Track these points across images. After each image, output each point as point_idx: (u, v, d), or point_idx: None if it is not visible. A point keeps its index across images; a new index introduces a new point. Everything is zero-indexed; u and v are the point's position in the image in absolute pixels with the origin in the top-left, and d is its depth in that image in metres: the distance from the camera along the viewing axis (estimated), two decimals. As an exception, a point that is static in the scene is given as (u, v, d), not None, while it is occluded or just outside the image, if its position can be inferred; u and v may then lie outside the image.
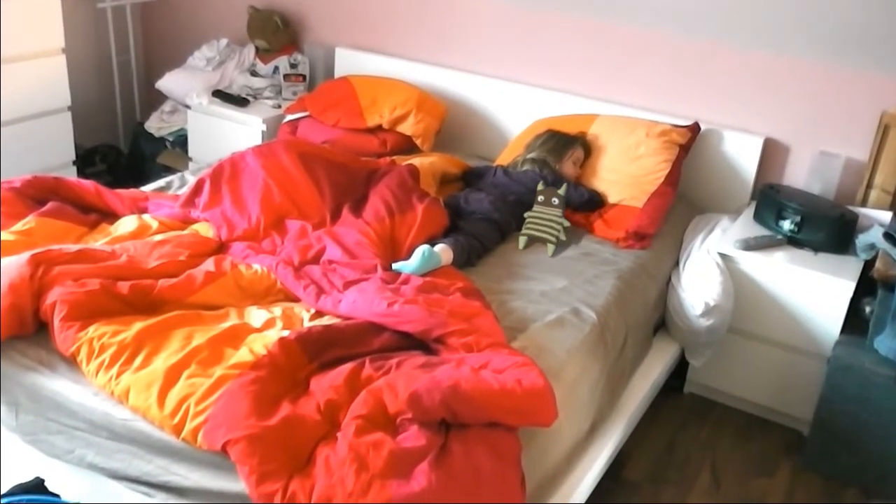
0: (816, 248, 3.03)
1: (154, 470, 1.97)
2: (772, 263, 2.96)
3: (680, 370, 3.21)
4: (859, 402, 2.76)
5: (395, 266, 2.57)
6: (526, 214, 3.01)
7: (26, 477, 2.07)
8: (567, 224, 3.05)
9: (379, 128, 3.70)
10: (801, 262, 2.96)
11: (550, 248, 2.96)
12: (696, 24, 3.37)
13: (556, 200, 3.04)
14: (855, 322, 2.89)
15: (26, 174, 2.90)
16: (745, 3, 3.23)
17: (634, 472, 2.84)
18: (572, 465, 2.34)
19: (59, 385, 2.10)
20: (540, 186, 3.07)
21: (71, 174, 4.02)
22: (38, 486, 2.00)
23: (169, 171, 4.10)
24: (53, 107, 3.90)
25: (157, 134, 4.37)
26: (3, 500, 1.88)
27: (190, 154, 4.19)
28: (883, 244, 2.85)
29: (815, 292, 2.89)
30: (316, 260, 2.61)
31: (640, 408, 2.79)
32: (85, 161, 4.35)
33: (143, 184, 3.30)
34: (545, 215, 3.01)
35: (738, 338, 3.06)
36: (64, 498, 2.00)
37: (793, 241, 3.06)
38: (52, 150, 3.94)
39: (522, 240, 2.97)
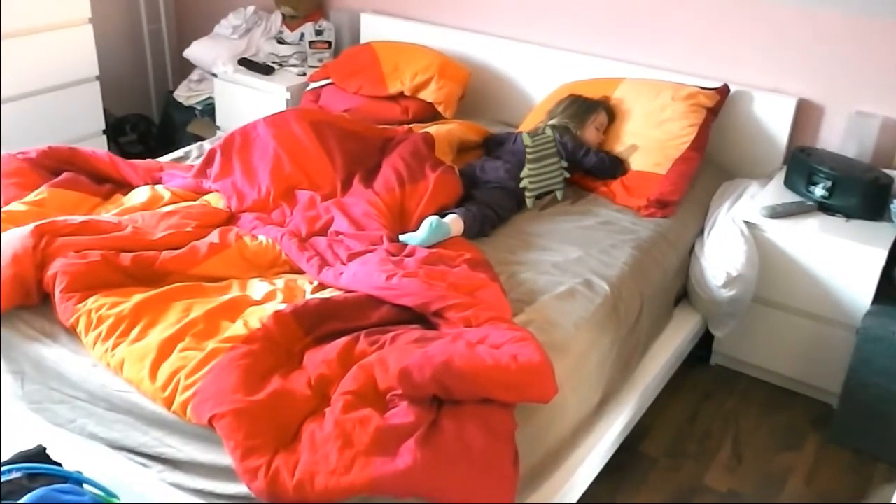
0: (848, 215, 2.90)
1: (150, 441, 1.99)
2: (800, 231, 2.84)
3: (706, 341, 3.12)
4: (890, 375, 2.65)
5: (402, 237, 2.53)
6: (523, 174, 2.94)
7: (29, 445, 2.10)
8: (565, 164, 3.01)
9: (401, 95, 3.64)
10: (831, 229, 2.84)
11: (559, 193, 2.97)
12: (727, -19, 3.23)
13: (547, 150, 2.98)
14: (887, 291, 2.77)
15: (52, 144, 2.93)
16: (777, -42, 3.10)
17: (653, 445, 2.78)
18: (580, 439, 2.29)
19: (60, 355, 2.13)
20: (526, 141, 2.99)
21: (101, 144, 4.06)
22: (39, 454, 2.01)
23: (198, 139, 4.11)
24: (82, 76, 3.93)
25: (185, 103, 4.38)
26: (5, 468, 1.90)
27: (217, 122, 4.19)
28: (918, 210, 2.72)
29: (846, 261, 2.78)
30: (323, 231, 2.58)
31: (658, 380, 2.73)
32: (116, 130, 4.39)
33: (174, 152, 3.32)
34: (542, 169, 2.96)
35: (765, 308, 2.96)
36: (65, 467, 2.02)
37: (824, 207, 2.94)
38: (81, 120, 3.98)
39: (530, 201, 2.92)
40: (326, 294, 2.27)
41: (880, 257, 2.72)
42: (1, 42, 3.51)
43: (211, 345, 1.98)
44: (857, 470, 2.74)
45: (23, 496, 1.76)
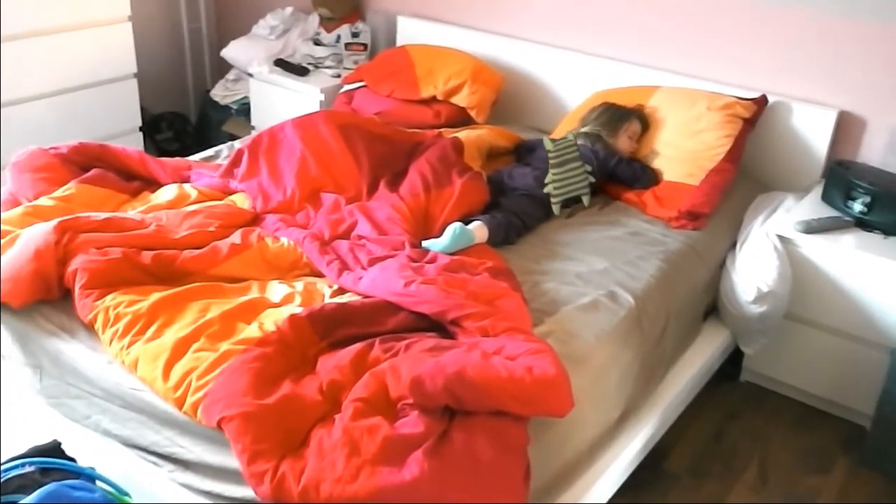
0: (887, 232, 2.82)
1: (162, 440, 1.98)
2: (836, 247, 2.77)
3: (737, 357, 3.05)
4: (925, 399, 2.57)
5: (424, 244, 2.51)
6: (546, 181, 2.90)
7: (45, 439, 2.11)
8: (589, 168, 2.97)
9: (433, 99, 3.62)
10: (868, 246, 2.75)
11: (586, 199, 2.95)
12: (768, -10, 3.16)
13: (570, 154, 2.94)
14: (925, 313, 2.68)
15: (89, 140, 2.95)
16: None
17: (676, 463, 2.72)
18: (597, 455, 2.24)
19: (77, 351, 2.14)
20: (548, 146, 2.95)
21: (137, 141, 4.10)
22: (54, 448, 2.03)
23: (233, 138, 4.13)
24: (119, 74, 3.97)
25: (221, 102, 4.40)
26: (19, 461, 1.91)
27: (252, 122, 4.20)
28: (958, 229, 2.63)
29: (882, 279, 2.69)
30: (346, 235, 2.57)
31: (683, 396, 2.67)
32: (152, 127, 4.43)
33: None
34: (565, 174, 2.92)
35: (798, 325, 2.88)
36: (79, 462, 2.02)
37: (861, 223, 2.86)
38: (118, 117, 4.02)
39: (556, 207, 2.88)
40: (345, 298, 2.26)
41: (918, 277, 2.64)
42: (40, 39, 3.56)
43: (224, 346, 1.98)
44: (888, 494, 2.66)
45: (34, 490, 1.77)
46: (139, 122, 4.13)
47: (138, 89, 4.05)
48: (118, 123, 4.02)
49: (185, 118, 4.64)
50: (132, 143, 3.81)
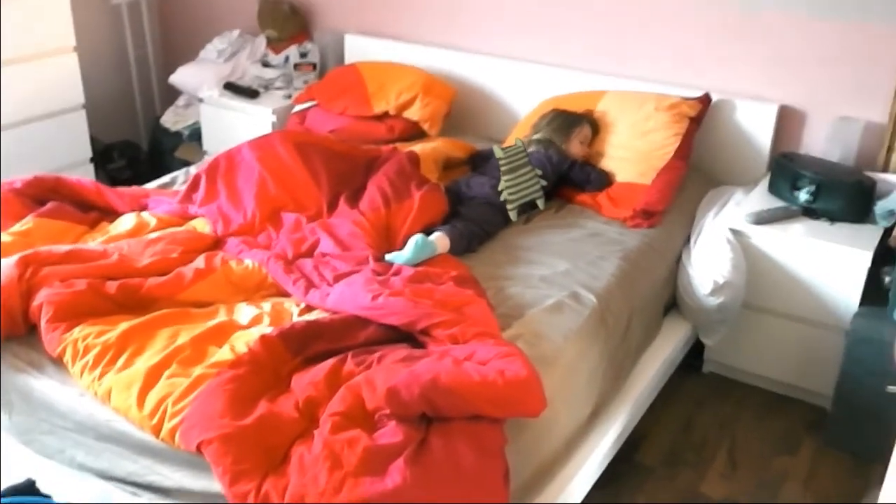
0: (833, 218, 2.91)
1: (139, 470, 1.98)
2: (786, 236, 2.85)
3: (699, 349, 3.12)
4: (881, 376, 2.63)
5: (388, 257, 2.53)
6: (500, 187, 2.95)
7: (19, 478, 2.09)
8: (539, 172, 3.03)
9: (386, 114, 3.65)
10: (816, 233, 2.85)
11: (541, 202, 3.01)
12: (704, -9, 3.26)
13: (520, 160, 3.01)
14: (875, 293, 2.77)
15: (40, 173, 2.93)
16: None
17: (649, 454, 2.78)
18: (573, 451, 2.29)
19: (47, 386, 2.12)
20: (498, 153, 3.02)
21: (89, 171, 4.07)
22: (29, 486, 2.01)
23: (186, 164, 4.11)
24: (67, 105, 3.94)
25: (172, 128, 4.38)
26: (-2, 501, 1.90)
27: (204, 147, 4.19)
28: (901, 211, 2.73)
29: (832, 264, 2.79)
30: (309, 253, 2.58)
31: (651, 389, 2.73)
32: (104, 157, 4.39)
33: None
34: (517, 180, 2.97)
35: (755, 314, 2.97)
36: (55, 498, 2.01)
37: (808, 211, 2.95)
38: (68, 149, 3.99)
39: (513, 213, 2.94)
40: (313, 316, 2.27)
41: (866, 259, 2.73)
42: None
43: (198, 371, 1.98)
44: (853, 472, 2.74)
45: (12, 530, 1.76)
46: (90, 153, 4.10)
47: (87, 119, 4.03)
48: (69, 155, 3.98)
49: (136, 146, 4.61)
50: (84, 175, 3.77)
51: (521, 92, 3.69)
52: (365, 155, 3.09)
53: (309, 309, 2.33)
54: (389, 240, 2.66)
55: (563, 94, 3.49)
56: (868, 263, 2.73)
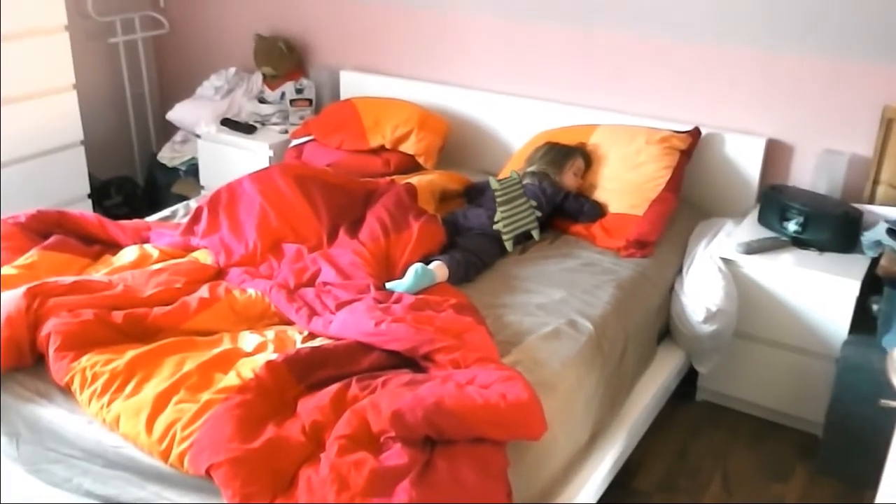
0: (821, 248, 2.98)
1: (148, 496, 2.00)
2: (776, 266, 2.92)
3: (692, 377, 3.17)
4: (871, 402, 2.66)
5: (388, 285, 2.58)
6: (496, 218, 3.01)
7: (25, 506, 2.12)
8: (534, 203, 3.09)
9: (382, 148, 3.73)
10: (805, 262, 2.91)
11: (536, 233, 3.08)
12: (692, 29, 3.36)
13: (515, 192, 3.07)
14: (864, 321, 2.83)
15: (38, 208, 2.97)
16: (739, 5, 3.22)
17: (645, 481, 2.81)
18: (571, 476, 2.32)
19: (55, 415, 2.15)
20: (494, 185, 3.08)
21: (86, 208, 4.11)
22: (36, 515, 2.04)
23: (183, 199, 4.16)
24: (66, 142, 3.99)
25: (169, 164, 4.44)
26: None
27: (202, 182, 4.25)
28: (887, 240, 2.81)
29: (821, 293, 2.85)
30: (311, 282, 2.63)
31: (646, 416, 2.77)
32: (101, 193, 4.43)
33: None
34: (513, 211, 3.04)
35: (746, 342, 3.02)
36: (63, 527, 2.04)
37: (798, 241, 3.02)
38: (66, 185, 4.03)
39: (509, 244, 2.99)
40: (316, 343, 2.32)
41: (854, 288, 2.80)
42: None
43: (205, 396, 2.02)
44: (844, 498, 2.78)
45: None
46: (87, 189, 4.14)
47: (85, 156, 4.08)
48: (67, 191, 4.02)
49: (133, 182, 4.66)
50: (82, 210, 3.81)
51: (515, 126, 3.77)
52: (363, 187, 3.15)
53: (312, 336, 2.37)
54: (389, 269, 2.71)
55: (556, 127, 3.57)
56: (856, 292, 2.80)
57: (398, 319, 2.27)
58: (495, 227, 2.99)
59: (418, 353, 2.19)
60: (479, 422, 1.90)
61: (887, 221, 2.92)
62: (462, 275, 2.75)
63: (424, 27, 3.98)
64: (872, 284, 2.84)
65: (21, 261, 2.66)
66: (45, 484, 2.17)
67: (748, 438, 3.05)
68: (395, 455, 1.83)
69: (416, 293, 2.54)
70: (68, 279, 2.47)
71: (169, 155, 4.46)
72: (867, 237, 2.93)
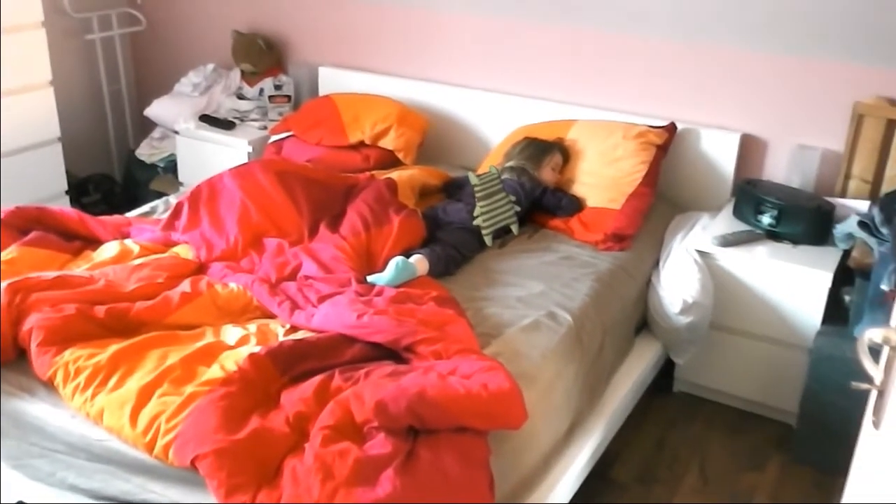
0: (795, 241, 3.04)
1: (133, 489, 2.01)
2: (751, 258, 2.97)
3: (669, 369, 3.22)
4: (844, 392, 2.68)
5: (369, 279, 2.61)
6: (476, 213, 3.04)
7: (9, 501, 2.12)
8: (513, 198, 3.11)
9: (361, 144, 3.74)
10: (779, 255, 2.97)
11: (515, 227, 3.10)
12: (669, 27, 3.40)
13: (494, 187, 3.10)
14: (836, 312, 2.89)
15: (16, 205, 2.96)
16: (715, 4, 3.27)
17: (623, 472, 2.85)
18: (551, 466, 2.35)
19: (38, 409, 2.15)
20: (473, 180, 3.11)
21: (64, 205, 4.08)
22: (19, 509, 2.05)
23: (162, 196, 4.15)
24: (43, 139, 3.97)
25: (148, 161, 4.43)
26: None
27: (180, 179, 4.24)
28: (858, 233, 2.86)
29: (795, 284, 2.91)
30: (292, 276, 2.65)
31: (624, 407, 2.81)
32: (79, 191, 4.42)
33: (139, 210, 3.37)
34: (492, 206, 3.06)
35: (722, 334, 3.07)
36: (46, 521, 2.04)
37: (772, 234, 3.07)
38: (44, 182, 4.01)
39: (488, 238, 3.02)
40: (298, 336, 2.33)
41: (827, 279, 2.86)
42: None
43: (189, 389, 2.03)
44: (819, 486, 2.83)
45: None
46: (65, 186, 4.13)
47: (63, 153, 4.06)
48: (44, 188, 4.00)
49: (111, 179, 4.64)
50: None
51: (493, 121, 3.81)
52: (343, 182, 3.16)
53: (294, 329, 2.39)
54: (370, 263, 2.74)
55: (534, 123, 3.60)
56: (829, 284, 2.86)
57: (380, 312, 2.30)
58: (475, 222, 3.02)
59: (400, 344, 2.22)
60: (461, 411, 1.93)
61: (858, 214, 2.97)
62: (442, 268, 2.78)
63: (403, 23, 4.00)
64: (844, 276, 2.89)
65: (1, 257, 2.65)
66: (28, 479, 2.17)
67: (724, 429, 3.10)
68: (379, 444, 1.85)
69: (397, 286, 2.56)
70: (50, 274, 2.47)
71: (147, 151, 4.45)
72: (839, 230, 2.99)
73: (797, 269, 2.89)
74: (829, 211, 3.05)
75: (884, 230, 2.75)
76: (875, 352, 1.46)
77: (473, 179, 3.12)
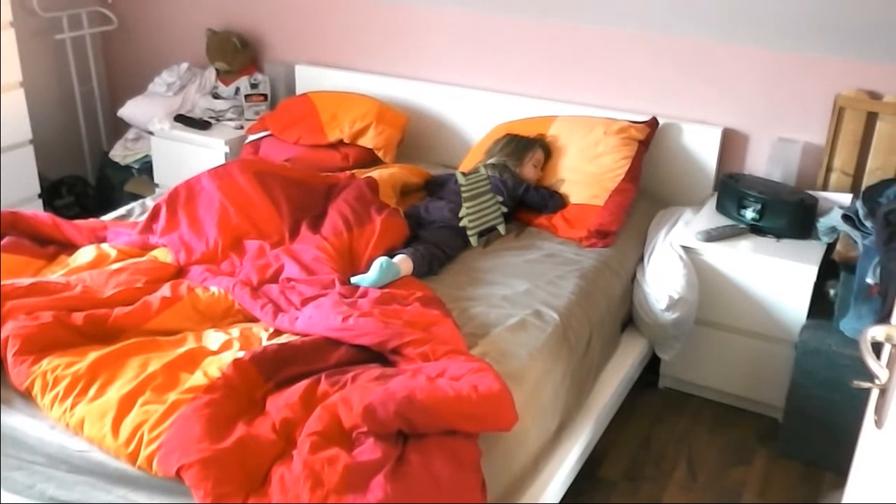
0: (779, 235, 3.03)
1: (114, 500, 1.96)
2: (735, 253, 2.96)
3: (654, 366, 3.21)
4: (829, 386, 2.75)
5: (353, 280, 2.57)
6: (461, 214, 3.01)
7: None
8: (500, 198, 3.08)
9: (340, 142, 3.70)
10: (763, 249, 2.96)
11: (502, 227, 3.07)
12: (648, 21, 3.38)
13: (482, 187, 3.07)
14: (821, 306, 2.89)
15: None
16: (694, -4, 3.26)
17: (611, 470, 2.84)
18: (541, 467, 2.33)
19: (15, 420, 2.09)
20: (461, 180, 3.08)
21: (37, 208, 4.01)
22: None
23: (137, 198, 4.08)
24: (14, 141, 3.89)
25: (122, 162, 4.35)
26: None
27: (156, 180, 4.18)
28: (842, 226, 2.86)
29: (780, 279, 2.90)
30: (274, 279, 2.60)
31: (611, 405, 2.79)
32: (52, 193, 4.34)
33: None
34: (479, 206, 3.03)
35: (707, 329, 3.06)
36: (26, 533, 1.99)
37: (755, 229, 3.07)
38: (16, 185, 3.92)
39: (474, 239, 2.99)
40: (282, 340, 2.29)
41: (811, 273, 2.85)
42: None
43: (172, 397, 1.98)
44: (806, 480, 2.83)
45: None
46: (38, 189, 4.05)
47: (34, 155, 3.99)
48: (16, 192, 3.92)
49: (85, 181, 4.57)
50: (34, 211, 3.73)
51: (473, 118, 3.77)
52: (324, 182, 3.12)
53: (277, 333, 2.35)
54: (353, 263, 2.70)
55: (515, 119, 3.57)
56: (814, 278, 2.85)
57: (365, 314, 2.26)
58: (461, 223, 2.99)
59: (387, 347, 2.18)
60: (451, 414, 1.89)
61: (841, 207, 2.98)
62: (426, 268, 2.74)
63: (380, 20, 3.96)
64: (829, 270, 2.89)
65: (-27, 264, 2.58)
66: (6, 492, 2.11)
67: (711, 424, 3.09)
68: (368, 450, 1.81)
69: (382, 287, 2.52)
70: (25, 281, 2.41)
71: (121, 153, 4.37)
72: (823, 223, 2.99)
73: (781, 264, 2.89)
74: (812, 205, 3.05)
75: (868, 223, 2.75)
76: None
77: (461, 178, 3.09)
